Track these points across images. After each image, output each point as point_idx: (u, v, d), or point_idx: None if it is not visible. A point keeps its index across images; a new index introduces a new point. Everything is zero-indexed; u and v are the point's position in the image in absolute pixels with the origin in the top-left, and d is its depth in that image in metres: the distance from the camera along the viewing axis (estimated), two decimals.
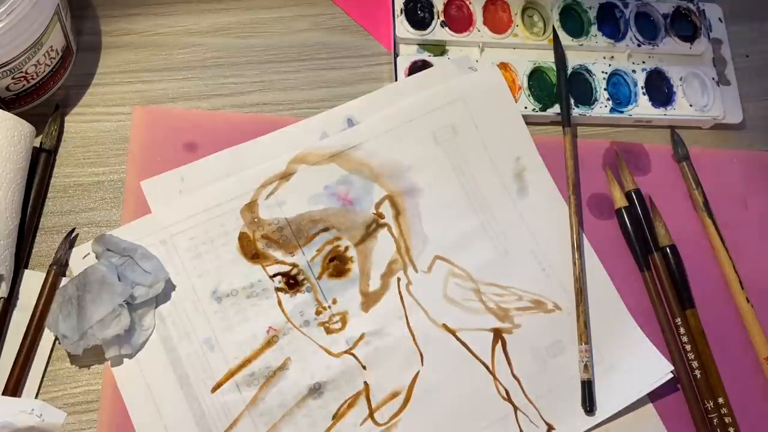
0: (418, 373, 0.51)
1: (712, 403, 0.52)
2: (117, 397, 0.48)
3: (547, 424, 0.50)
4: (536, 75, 0.60)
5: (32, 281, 0.49)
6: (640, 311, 0.54)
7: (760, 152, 0.61)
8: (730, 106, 0.61)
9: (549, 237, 0.55)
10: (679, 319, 0.53)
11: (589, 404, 0.51)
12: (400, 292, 0.52)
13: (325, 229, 0.53)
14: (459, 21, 0.60)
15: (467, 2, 0.60)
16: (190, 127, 0.55)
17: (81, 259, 0.50)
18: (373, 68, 0.59)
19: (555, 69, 0.59)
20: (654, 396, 0.52)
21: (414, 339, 0.51)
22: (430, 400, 0.50)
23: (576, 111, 0.59)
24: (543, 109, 0.58)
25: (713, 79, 0.61)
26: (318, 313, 0.51)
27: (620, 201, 0.56)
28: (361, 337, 0.51)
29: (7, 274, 0.48)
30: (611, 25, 0.62)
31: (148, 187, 0.52)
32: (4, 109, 0.49)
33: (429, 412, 0.50)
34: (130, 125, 0.54)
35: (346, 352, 0.50)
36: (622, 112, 0.59)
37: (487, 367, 0.51)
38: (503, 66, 0.59)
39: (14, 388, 0.47)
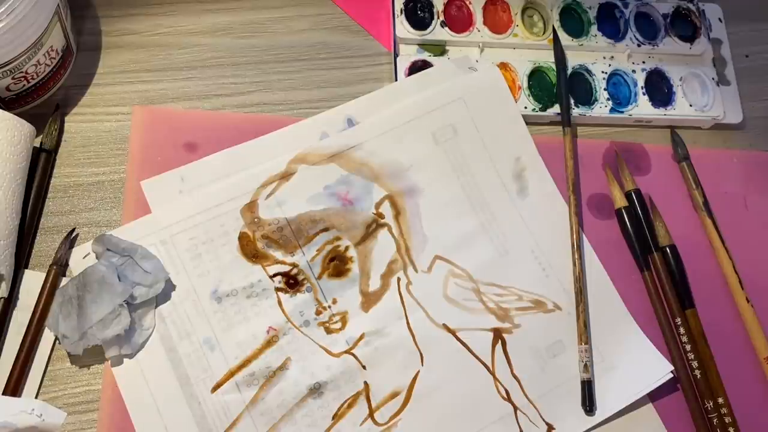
0: (418, 373, 0.51)
1: (712, 403, 0.52)
2: (117, 397, 0.48)
3: (547, 424, 0.50)
4: (536, 75, 0.60)
5: (32, 281, 0.49)
6: (640, 311, 0.54)
7: (760, 152, 0.61)
8: (730, 106, 0.61)
9: (549, 237, 0.55)
10: (679, 319, 0.53)
11: (589, 404, 0.51)
12: (400, 292, 0.52)
13: (325, 229, 0.53)
14: (459, 21, 0.60)
15: (467, 2, 0.60)
16: (190, 127, 0.55)
17: (81, 259, 0.50)
18: (373, 68, 0.59)
19: (555, 69, 0.59)
20: (654, 396, 0.52)
21: (414, 339, 0.51)
22: (430, 400, 0.50)
23: (576, 111, 0.59)
24: (543, 109, 0.58)
25: (713, 79, 0.61)
26: (318, 313, 0.51)
27: (620, 201, 0.56)
28: (361, 337, 0.51)
29: (7, 274, 0.48)
30: (611, 25, 0.62)
31: (148, 187, 0.52)
32: (4, 109, 0.49)
33: (429, 412, 0.50)
34: (130, 125, 0.54)
35: (346, 352, 0.50)
36: (622, 112, 0.59)
37: (487, 367, 0.51)
38: (503, 66, 0.59)
39: (14, 388, 0.47)
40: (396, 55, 0.58)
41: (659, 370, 0.52)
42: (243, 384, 0.49)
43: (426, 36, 0.59)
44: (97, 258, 0.49)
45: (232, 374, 0.49)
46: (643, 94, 0.60)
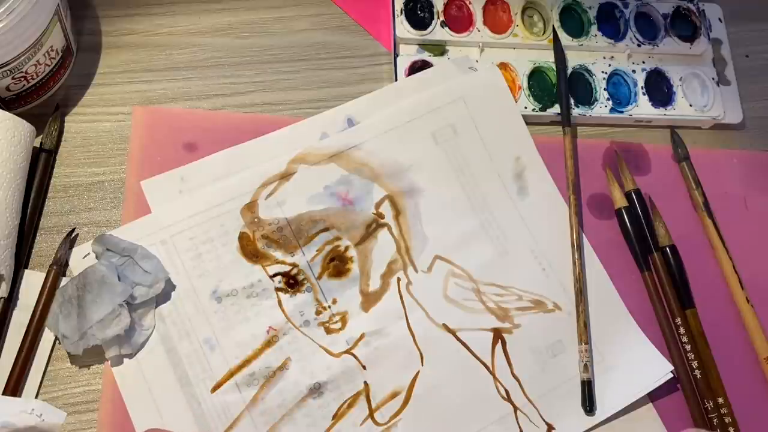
0: (418, 373, 0.51)
1: (712, 403, 0.52)
2: (117, 397, 0.48)
3: (547, 424, 0.50)
4: (536, 75, 0.60)
5: (32, 281, 0.49)
6: (640, 311, 0.54)
7: (760, 152, 0.61)
8: (730, 106, 0.61)
9: (549, 237, 0.55)
10: (679, 319, 0.53)
11: (589, 404, 0.51)
12: (400, 292, 0.52)
13: (325, 229, 0.53)
14: (459, 21, 0.60)
15: (467, 2, 0.60)
16: (190, 127, 0.55)
17: (81, 259, 0.50)
18: (373, 68, 0.59)
19: (555, 69, 0.59)
20: (654, 396, 0.52)
21: (414, 339, 0.51)
22: (430, 400, 0.50)
23: (576, 111, 0.59)
24: (543, 109, 0.58)
25: (713, 79, 0.61)
26: (318, 313, 0.51)
27: (620, 201, 0.56)
28: (361, 337, 0.51)
29: (7, 274, 0.48)
30: (611, 25, 0.62)
31: (148, 187, 0.52)
32: (4, 109, 0.49)
33: (429, 412, 0.50)
34: (130, 125, 0.54)
35: (346, 352, 0.50)
36: (622, 112, 0.59)
37: (487, 367, 0.51)
38: (503, 66, 0.59)
39: (14, 388, 0.47)
40: (396, 55, 0.58)
41: (659, 370, 0.52)
42: (243, 384, 0.49)
43: (426, 36, 0.59)
44: (97, 258, 0.49)
45: (232, 374, 0.49)
46: (643, 94, 0.60)
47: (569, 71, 0.60)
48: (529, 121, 0.58)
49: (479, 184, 0.55)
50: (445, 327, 0.52)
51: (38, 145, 0.52)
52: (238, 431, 0.48)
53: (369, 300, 0.52)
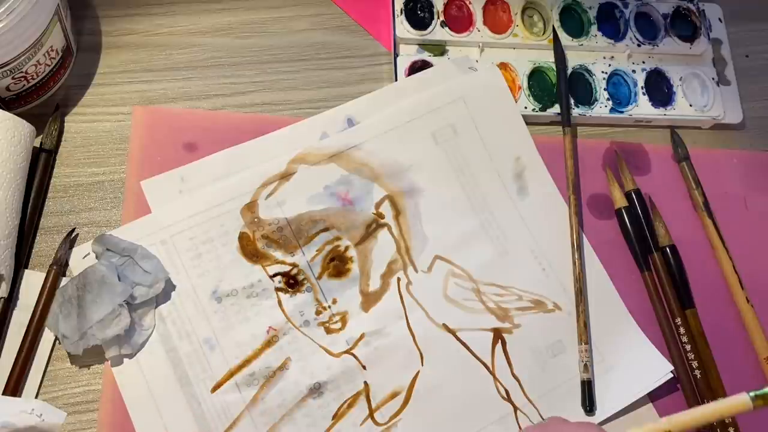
0: (418, 373, 0.50)
1: None
2: (117, 397, 0.48)
3: None
4: (536, 75, 0.60)
5: (32, 281, 0.49)
6: (640, 311, 0.54)
7: (760, 152, 0.61)
8: (730, 106, 0.61)
9: (549, 237, 0.55)
10: (679, 319, 0.53)
11: (589, 404, 0.51)
12: (400, 292, 0.52)
13: (325, 229, 0.53)
14: (459, 21, 0.60)
15: (467, 2, 0.60)
16: (190, 127, 0.55)
17: (81, 259, 0.50)
18: (373, 68, 0.59)
19: (555, 69, 0.59)
20: (654, 396, 0.52)
21: (414, 339, 0.51)
22: (430, 400, 0.50)
23: (576, 111, 0.59)
24: (543, 109, 0.58)
25: (713, 79, 0.61)
26: (318, 313, 0.51)
27: (620, 201, 0.56)
28: (361, 336, 0.51)
29: (7, 274, 0.48)
30: (611, 25, 0.62)
31: (148, 187, 0.52)
32: (4, 109, 0.49)
33: (429, 412, 0.50)
34: (130, 125, 0.54)
35: (346, 352, 0.50)
36: (622, 112, 0.59)
37: (487, 367, 0.51)
38: (503, 66, 0.59)
39: (14, 388, 0.47)
40: (396, 55, 0.58)
41: (659, 370, 0.52)
42: (243, 384, 0.49)
43: (426, 36, 0.59)
44: (97, 258, 0.49)
45: (232, 374, 0.49)
46: (643, 94, 0.60)
47: (569, 71, 0.60)
48: (529, 121, 0.58)
49: (479, 184, 0.55)
50: (445, 327, 0.52)
51: (38, 145, 0.52)
52: (238, 431, 0.48)
53: (369, 300, 0.52)
